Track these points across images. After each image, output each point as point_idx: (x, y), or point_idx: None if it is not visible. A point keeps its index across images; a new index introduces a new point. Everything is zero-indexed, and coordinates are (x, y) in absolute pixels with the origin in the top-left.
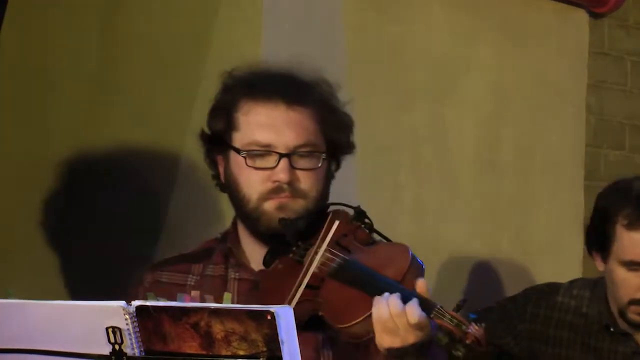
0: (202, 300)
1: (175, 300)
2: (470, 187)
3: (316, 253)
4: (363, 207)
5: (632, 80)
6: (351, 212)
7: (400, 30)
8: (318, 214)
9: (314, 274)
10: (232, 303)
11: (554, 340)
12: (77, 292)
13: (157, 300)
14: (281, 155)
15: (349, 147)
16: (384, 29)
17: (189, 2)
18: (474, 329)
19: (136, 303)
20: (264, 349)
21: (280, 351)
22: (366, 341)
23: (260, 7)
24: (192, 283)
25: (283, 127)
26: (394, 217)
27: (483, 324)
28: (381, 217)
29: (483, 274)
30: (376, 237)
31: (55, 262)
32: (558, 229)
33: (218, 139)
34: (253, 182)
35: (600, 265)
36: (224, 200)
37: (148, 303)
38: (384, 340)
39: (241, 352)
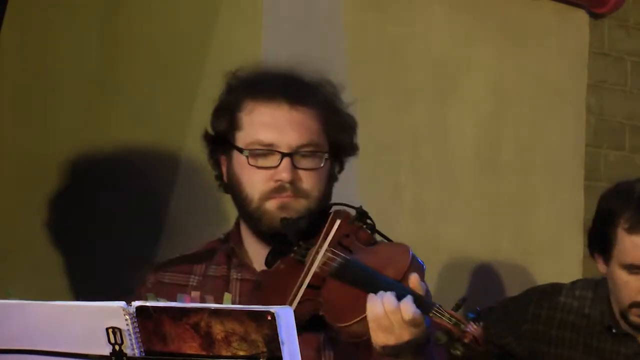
0: (203, 300)
1: (176, 300)
2: (470, 187)
3: (317, 253)
4: (363, 208)
5: (632, 81)
6: (353, 212)
7: (400, 30)
8: (320, 213)
9: (315, 274)
10: (234, 303)
11: (556, 340)
12: (78, 292)
13: (157, 300)
14: (284, 155)
15: (352, 149)
16: (384, 29)
17: (189, 2)
18: (473, 328)
19: (136, 303)
20: (264, 350)
21: (280, 352)
22: (366, 341)
23: (260, 7)
24: (194, 283)
25: (286, 127)
26: (394, 217)
27: (481, 323)
28: (381, 217)
29: (483, 274)
30: (378, 237)
31: (56, 262)
32: (558, 229)
33: (221, 139)
34: (255, 181)
35: (602, 267)
36: (224, 200)
37: (148, 303)
38: (379, 337)
39: (241, 353)
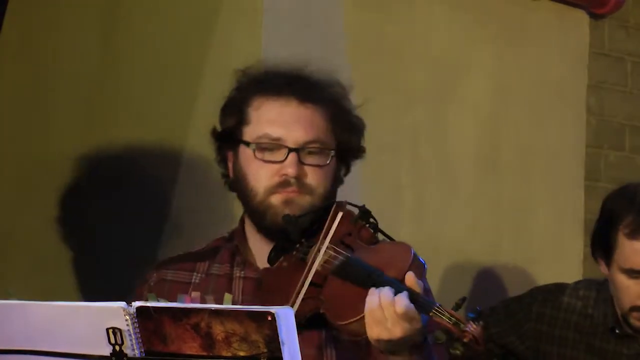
0: (203, 301)
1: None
2: (471, 187)
3: (319, 250)
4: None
5: (632, 81)
6: (356, 211)
7: (400, 30)
8: (322, 210)
9: (317, 272)
10: (237, 301)
11: (560, 340)
12: (79, 292)
13: (158, 301)
14: (290, 150)
15: (359, 151)
16: (384, 29)
17: (189, 2)
18: (472, 328)
19: (136, 304)
20: (265, 350)
21: (280, 352)
22: (366, 339)
23: (261, 7)
24: (197, 281)
25: (293, 123)
26: (395, 217)
27: (481, 323)
28: (381, 217)
29: (483, 274)
30: (380, 236)
31: (56, 262)
32: (558, 229)
33: (229, 136)
34: (261, 175)
35: (604, 270)
36: (227, 199)
37: (148, 304)
38: (373, 331)
39: (241, 353)
